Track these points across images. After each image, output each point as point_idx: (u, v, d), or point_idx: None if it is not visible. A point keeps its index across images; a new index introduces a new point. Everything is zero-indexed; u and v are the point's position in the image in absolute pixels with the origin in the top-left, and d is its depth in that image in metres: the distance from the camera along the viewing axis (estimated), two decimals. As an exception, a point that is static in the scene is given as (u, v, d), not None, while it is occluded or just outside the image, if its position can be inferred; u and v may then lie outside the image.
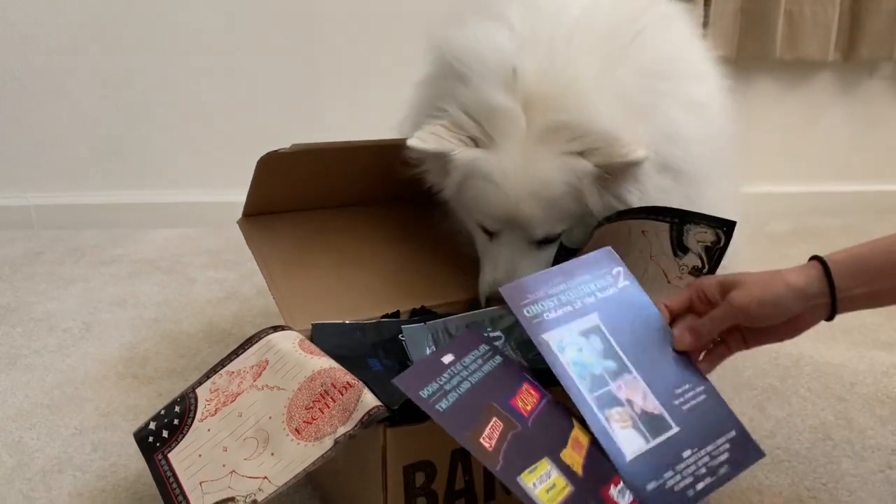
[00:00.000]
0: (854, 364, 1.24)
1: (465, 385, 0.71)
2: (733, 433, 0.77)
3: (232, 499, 0.72)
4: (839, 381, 1.18)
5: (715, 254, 0.85)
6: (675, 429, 0.75)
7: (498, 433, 0.69)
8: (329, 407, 0.74)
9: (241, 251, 0.99)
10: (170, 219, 2.03)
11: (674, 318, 0.82)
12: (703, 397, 0.79)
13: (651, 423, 0.74)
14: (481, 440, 0.68)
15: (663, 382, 0.78)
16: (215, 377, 0.85)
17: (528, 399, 0.74)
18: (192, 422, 0.82)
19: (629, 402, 0.75)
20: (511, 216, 0.95)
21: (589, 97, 0.89)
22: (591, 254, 0.84)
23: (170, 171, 2.07)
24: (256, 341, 0.87)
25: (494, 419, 0.70)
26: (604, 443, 0.72)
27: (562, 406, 0.74)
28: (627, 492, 0.69)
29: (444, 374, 0.72)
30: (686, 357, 0.80)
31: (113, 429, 1.00)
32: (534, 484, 0.66)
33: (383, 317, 0.98)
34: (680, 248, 0.87)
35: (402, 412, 0.73)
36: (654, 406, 0.76)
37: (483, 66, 0.92)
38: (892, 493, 0.90)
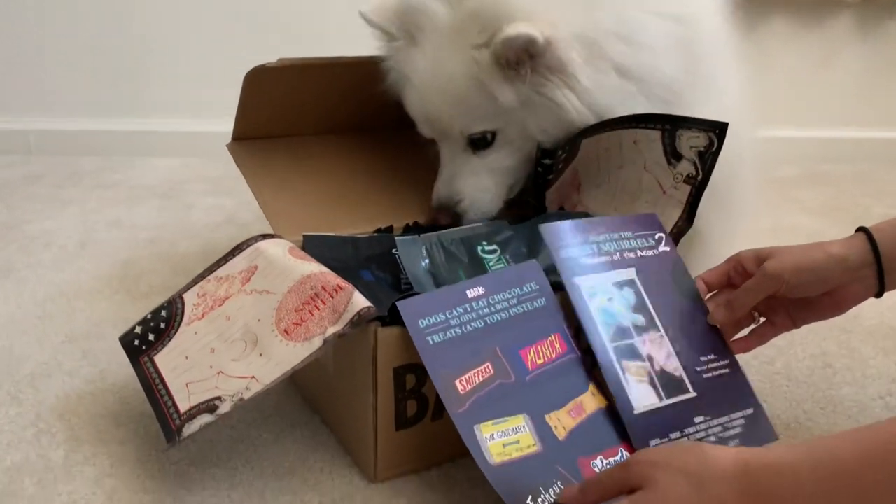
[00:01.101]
0: (859, 299, 1.22)
1: (476, 325, 0.71)
2: (751, 411, 0.77)
3: (218, 398, 0.70)
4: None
5: (708, 159, 0.82)
6: (692, 394, 0.74)
7: (481, 379, 0.68)
8: (319, 309, 0.73)
9: (241, 179, 0.97)
10: (170, 147, 2.00)
11: (710, 293, 0.81)
12: (726, 371, 0.78)
13: (668, 384, 0.73)
14: (457, 381, 0.67)
15: (690, 348, 0.77)
16: (203, 283, 0.84)
17: (546, 351, 0.72)
18: (178, 325, 0.80)
19: (650, 358, 0.74)
20: (425, 116, 0.94)
21: None
22: (637, 214, 0.84)
23: (171, 99, 2.03)
24: (246, 248, 0.85)
25: (487, 365, 0.69)
26: (615, 392, 0.71)
27: (585, 369, 0.73)
28: None
29: (458, 308, 0.71)
30: (717, 331, 0.79)
31: (103, 338, 0.99)
32: (491, 435, 0.66)
33: (376, 231, 0.95)
34: (673, 155, 0.85)
35: (392, 314, 0.71)
36: (675, 367, 0.75)
37: None
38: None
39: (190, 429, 0.69)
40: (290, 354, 0.70)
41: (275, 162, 1.01)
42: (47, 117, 2.02)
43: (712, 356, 0.77)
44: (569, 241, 0.77)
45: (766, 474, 0.53)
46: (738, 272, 0.79)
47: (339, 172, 1.05)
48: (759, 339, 0.81)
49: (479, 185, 0.95)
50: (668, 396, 0.73)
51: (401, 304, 0.69)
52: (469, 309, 0.71)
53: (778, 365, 0.99)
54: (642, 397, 0.72)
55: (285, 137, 1.03)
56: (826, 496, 0.50)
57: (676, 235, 0.88)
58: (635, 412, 0.70)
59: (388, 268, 0.89)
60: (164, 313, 0.82)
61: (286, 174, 1.01)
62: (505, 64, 0.85)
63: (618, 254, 0.79)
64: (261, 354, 0.72)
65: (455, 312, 0.70)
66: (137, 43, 1.99)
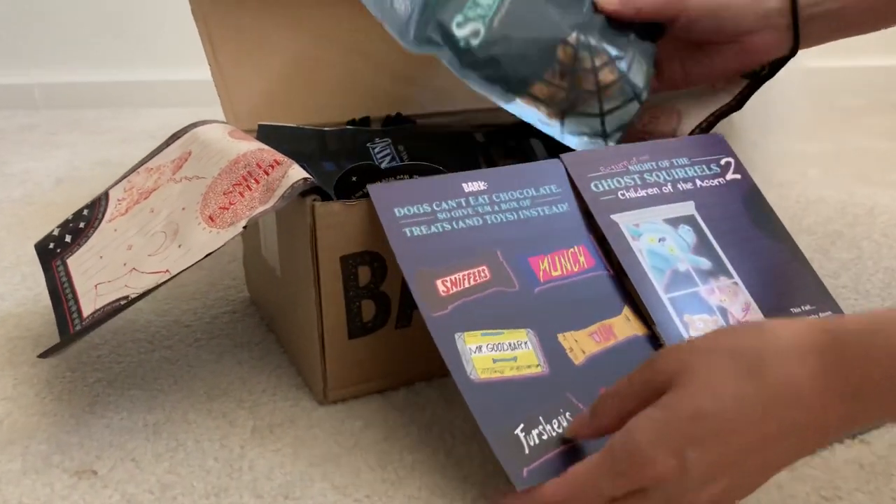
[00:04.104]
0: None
1: (471, 222, 0.55)
2: None
3: (125, 297, 0.57)
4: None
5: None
6: None
7: (470, 283, 0.52)
8: (251, 189, 0.58)
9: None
10: (180, 96, 1.89)
11: None
12: None
13: None
14: (438, 281, 0.51)
15: (775, 296, 0.59)
16: (132, 175, 0.70)
17: (565, 263, 0.56)
18: (98, 224, 0.67)
19: (722, 310, 0.57)
20: None
21: None
22: (694, 136, 0.68)
23: (181, 48, 1.92)
24: (182, 135, 0.71)
25: (482, 268, 0.53)
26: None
27: (620, 292, 0.57)
28: None
29: (450, 202, 0.55)
30: (813, 274, 0.62)
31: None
32: (478, 347, 0.50)
33: (349, 123, 0.80)
34: None
35: (341, 187, 0.56)
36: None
37: None
38: None
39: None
40: (209, 242, 0.56)
41: (240, 13, 0.77)
42: (51, 70, 1.93)
43: (808, 306, 0.60)
44: (601, 171, 0.61)
45: (858, 338, 0.37)
46: None
47: (319, 31, 0.81)
48: None
49: None
50: None
51: (373, 188, 0.54)
52: (465, 204, 0.56)
53: (843, 279, 0.81)
54: None
55: None
56: None
57: (718, 116, 0.71)
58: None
59: (359, 160, 0.74)
60: (85, 212, 0.69)
61: (251, 30, 0.78)
62: None
63: (669, 184, 0.62)
64: (179, 246, 0.58)
65: (445, 206, 0.55)
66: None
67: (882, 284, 0.81)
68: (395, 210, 0.54)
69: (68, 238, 0.67)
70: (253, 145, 0.62)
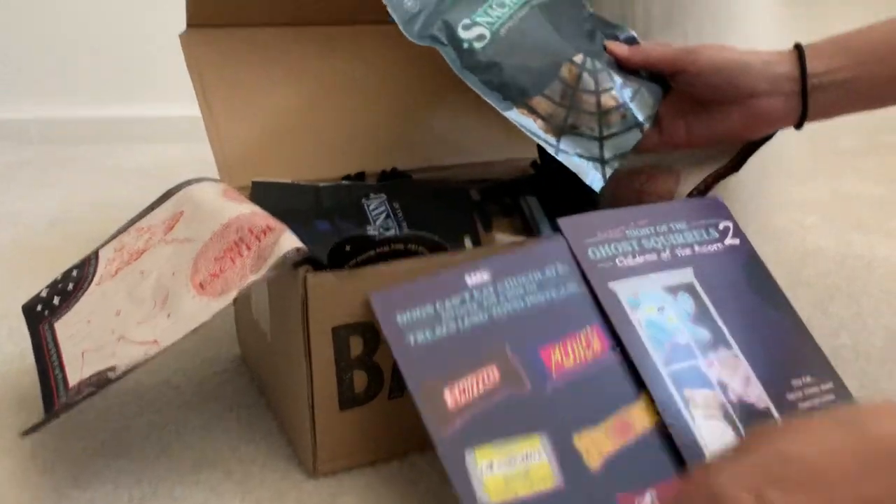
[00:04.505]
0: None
1: (479, 318, 0.53)
2: None
3: (112, 368, 0.55)
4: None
5: None
6: None
7: (480, 389, 0.51)
8: (242, 256, 0.57)
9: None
10: (175, 133, 1.89)
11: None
12: (830, 397, 0.58)
13: (750, 417, 0.55)
14: (446, 391, 0.50)
15: (776, 368, 0.58)
16: (123, 235, 0.69)
17: (578, 349, 0.55)
18: (88, 285, 0.66)
19: (722, 385, 0.55)
20: None
21: None
22: (692, 199, 0.67)
23: (177, 85, 1.92)
24: (175, 193, 0.70)
25: (491, 368, 0.52)
26: (676, 432, 0.52)
27: (634, 375, 0.55)
28: None
29: (453, 299, 0.54)
30: (814, 345, 0.60)
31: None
32: (490, 465, 0.48)
33: (344, 178, 0.79)
34: None
35: (334, 257, 0.55)
36: (758, 397, 0.56)
37: None
38: None
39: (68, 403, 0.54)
40: (199, 312, 0.55)
41: (232, 62, 0.76)
42: (47, 104, 1.92)
43: (808, 379, 0.58)
44: (598, 236, 0.60)
45: None
46: None
47: (313, 80, 0.80)
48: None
49: None
50: None
51: (374, 296, 0.53)
52: (468, 298, 0.54)
53: (843, 338, 0.81)
54: (715, 438, 0.53)
55: (253, 28, 0.77)
56: None
57: (716, 178, 0.71)
58: (708, 456, 0.52)
59: (353, 219, 0.74)
60: (75, 273, 0.68)
61: (244, 81, 0.77)
62: None
63: (667, 250, 0.61)
64: (168, 315, 0.57)
65: (449, 303, 0.53)
66: (141, 30, 1.88)
67: (882, 344, 0.80)
68: (398, 317, 0.52)
69: (56, 300, 0.66)
70: (245, 208, 0.62)
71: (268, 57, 0.77)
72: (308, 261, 0.54)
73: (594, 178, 0.62)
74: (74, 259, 1.03)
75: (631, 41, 0.68)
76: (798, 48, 0.61)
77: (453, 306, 0.53)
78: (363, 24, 0.79)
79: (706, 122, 0.65)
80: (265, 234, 0.57)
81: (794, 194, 1.37)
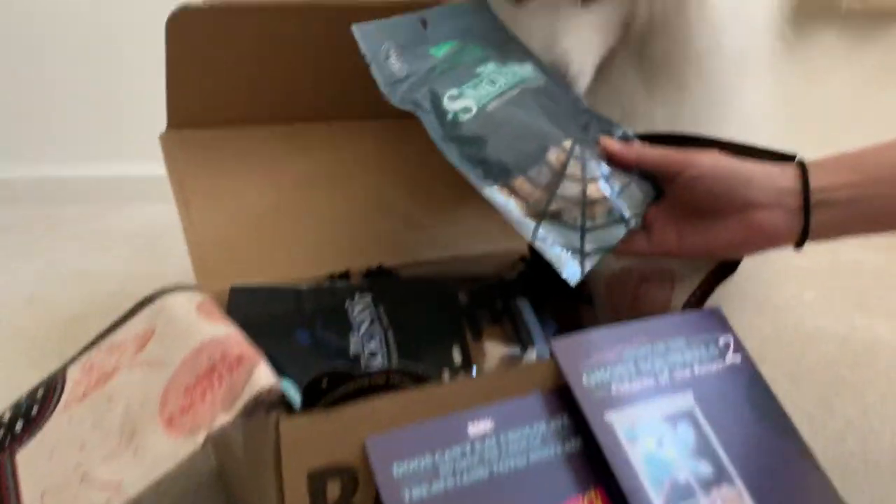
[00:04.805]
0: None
1: (479, 473, 0.50)
2: None
3: (72, 515, 0.52)
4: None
5: None
6: None
7: None
8: (214, 389, 0.54)
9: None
10: (163, 192, 1.86)
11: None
12: None
13: None
14: None
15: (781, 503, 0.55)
16: (94, 351, 0.66)
17: None
18: (53, 409, 0.62)
19: None
20: None
21: None
22: (690, 311, 0.63)
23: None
24: (148, 304, 0.67)
25: None
26: None
27: None
28: None
29: (454, 450, 0.51)
30: (823, 478, 0.57)
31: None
32: None
33: (329, 277, 0.76)
34: None
35: (309, 394, 0.52)
36: None
37: None
38: None
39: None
40: (166, 454, 0.51)
41: (210, 162, 0.74)
42: (32, 164, 1.90)
43: None
44: (594, 358, 0.56)
45: None
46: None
47: (291, 179, 0.78)
48: (621, 245, 0.61)
49: (587, 44, 0.69)
50: None
51: (370, 442, 0.50)
52: (470, 451, 0.51)
53: (850, 443, 0.77)
54: None
55: (226, 129, 0.75)
56: None
57: (713, 283, 0.68)
58: None
59: (336, 327, 0.71)
60: (39, 393, 0.64)
61: (221, 181, 0.75)
62: None
63: (666, 372, 0.57)
64: (135, 453, 0.54)
65: (449, 455, 0.50)
66: (127, 88, 1.87)
67: (890, 447, 0.76)
68: (394, 467, 0.49)
69: (18, 426, 0.62)
70: (219, 329, 0.58)
71: (246, 156, 0.75)
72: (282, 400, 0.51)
73: (572, 271, 0.57)
74: (50, 343, 1.00)
75: (626, 138, 0.66)
76: (801, 164, 0.59)
77: (453, 458, 0.50)
78: (339, 119, 0.77)
79: (700, 232, 0.61)
80: (238, 363, 0.54)
81: (792, 262, 1.34)
